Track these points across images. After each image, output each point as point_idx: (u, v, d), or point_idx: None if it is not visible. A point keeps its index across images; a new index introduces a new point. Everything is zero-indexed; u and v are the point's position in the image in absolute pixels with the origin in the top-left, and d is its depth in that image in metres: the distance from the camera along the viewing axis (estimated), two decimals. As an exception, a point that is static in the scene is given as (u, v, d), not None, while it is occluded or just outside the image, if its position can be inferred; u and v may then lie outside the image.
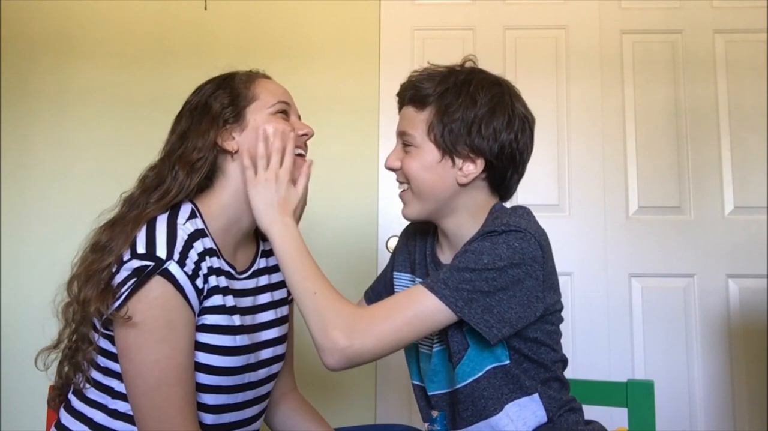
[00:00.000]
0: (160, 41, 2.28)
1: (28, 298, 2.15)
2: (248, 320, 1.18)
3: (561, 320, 1.17)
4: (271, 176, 1.10)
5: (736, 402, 2.14)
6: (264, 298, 1.23)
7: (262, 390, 1.21)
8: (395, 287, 1.31)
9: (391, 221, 2.23)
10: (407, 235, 1.33)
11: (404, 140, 1.16)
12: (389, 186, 2.24)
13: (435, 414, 1.05)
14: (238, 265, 1.19)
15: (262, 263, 1.25)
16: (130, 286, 1.01)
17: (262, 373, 1.19)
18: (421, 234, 1.29)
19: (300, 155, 1.19)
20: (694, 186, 2.21)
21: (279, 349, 1.24)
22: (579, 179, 2.23)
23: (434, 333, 1.10)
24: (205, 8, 2.26)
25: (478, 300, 1.03)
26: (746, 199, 2.20)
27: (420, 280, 1.24)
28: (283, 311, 1.27)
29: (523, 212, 1.14)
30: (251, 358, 1.15)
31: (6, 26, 2.26)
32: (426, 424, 1.18)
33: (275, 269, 1.28)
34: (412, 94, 1.16)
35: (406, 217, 1.20)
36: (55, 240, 2.18)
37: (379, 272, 2.19)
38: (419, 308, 1.03)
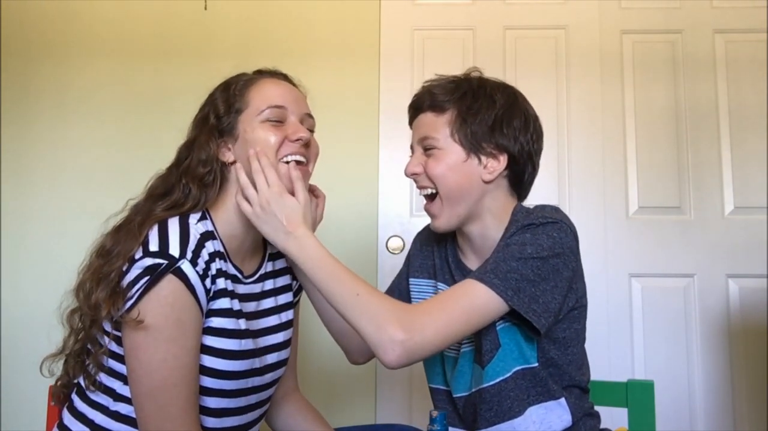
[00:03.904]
0: (160, 41, 2.28)
1: (28, 298, 2.15)
2: (253, 324, 1.17)
3: (585, 317, 1.19)
4: (263, 201, 1.08)
5: (736, 402, 2.14)
6: (268, 302, 1.23)
7: (263, 395, 1.20)
8: (412, 293, 1.30)
9: (391, 221, 2.23)
10: (421, 241, 1.33)
11: (426, 145, 1.18)
12: (389, 186, 2.24)
13: (435, 414, 1.05)
14: (246, 269, 1.18)
15: (269, 266, 1.25)
16: (143, 284, 1.01)
17: (267, 377, 1.19)
18: (438, 239, 1.29)
19: (298, 161, 1.14)
20: (694, 186, 2.21)
21: (283, 354, 1.23)
22: (579, 179, 2.23)
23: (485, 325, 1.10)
24: (205, 8, 2.26)
25: (526, 290, 1.04)
26: (746, 199, 2.20)
27: (443, 285, 1.24)
28: (288, 315, 1.26)
29: (552, 207, 1.16)
30: (256, 362, 1.15)
31: (6, 26, 2.26)
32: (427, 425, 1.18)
33: (281, 272, 1.27)
34: (430, 101, 1.18)
35: (437, 229, 1.20)
36: (55, 240, 2.18)
37: (380, 272, 2.21)
38: (472, 299, 1.04)
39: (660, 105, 2.25)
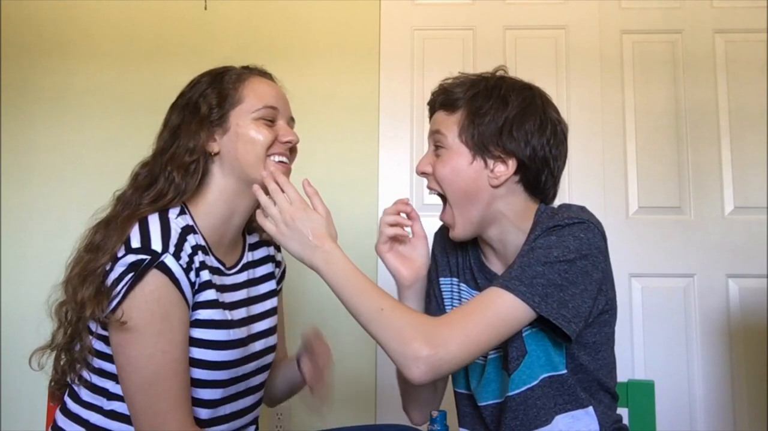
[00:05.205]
0: (159, 41, 2.28)
1: (27, 297, 2.15)
2: (243, 313, 1.18)
3: (615, 320, 1.15)
4: (287, 217, 1.07)
5: (736, 402, 2.14)
6: (252, 291, 1.24)
7: (254, 381, 1.21)
8: (444, 293, 1.25)
9: (391, 221, 2.23)
10: (443, 239, 1.27)
11: (436, 140, 1.15)
12: (389, 186, 2.24)
13: (435, 414, 1.04)
14: (227, 261, 1.19)
15: (249, 256, 1.26)
16: (127, 281, 1.01)
17: (254, 365, 1.20)
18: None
19: (281, 161, 1.17)
20: (694, 186, 2.21)
21: (270, 340, 1.25)
22: (579, 179, 2.23)
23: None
24: (205, 8, 2.26)
25: (553, 295, 1.01)
26: (746, 199, 2.20)
27: (464, 285, 1.22)
28: (272, 302, 1.28)
29: (578, 206, 1.12)
30: (245, 351, 1.16)
31: (6, 26, 2.26)
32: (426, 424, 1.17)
33: (260, 262, 1.28)
34: (443, 98, 1.15)
35: (456, 238, 1.16)
36: (54, 240, 2.18)
37: (380, 272, 2.20)
38: (497, 308, 1.01)
39: (660, 105, 2.25)
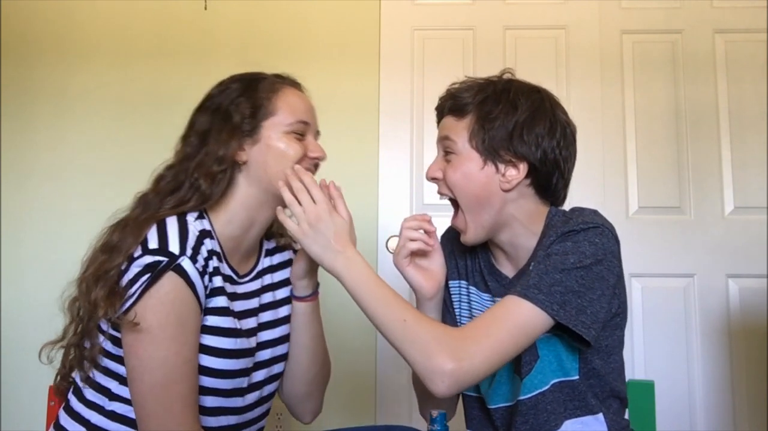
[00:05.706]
0: (160, 41, 2.28)
1: (28, 297, 2.15)
2: (252, 322, 1.17)
3: (626, 323, 1.15)
4: (312, 218, 1.06)
5: (736, 402, 2.14)
6: (266, 298, 1.22)
7: (264, 391, 1.20)
8: (452, 296, 1.26)
9: (391, 221, 2.23)
10: (451, 242, 1.27)
11: (445, 146, 1.15)
12: (389, 186, 2.24)
13: (435, 413, 1.04)
14: (241, 269, 1.18)
15: (266, 262, 1.25)
16: (143, 282, 1.01)
17: (262, 374, 1.19)
18: None
19: None
20: (694, 186, 2.21)
21: (279, 350, 1.23)
22: (579, 179, 2.20)
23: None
24: (205, 8, 2.26)
25: (572, 302, 1.01)
26: (746, 199, 2.20)
27: (474, 289, 1.22)
28: (286, 310, 1.25)
29: (590, 210, 1.13)
30: (251, 361, 1.15)
31: (6, 26, 2.26)
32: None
33: (279, 267, 1.27)
34: (451, 104, 1.15)
35: (467, 243, 1.16)
36: (54, 240, 2.18)
37: (380, 272, 2.19)
38: (517, 318, 1.01)
39: (660, 105, 2.25)
